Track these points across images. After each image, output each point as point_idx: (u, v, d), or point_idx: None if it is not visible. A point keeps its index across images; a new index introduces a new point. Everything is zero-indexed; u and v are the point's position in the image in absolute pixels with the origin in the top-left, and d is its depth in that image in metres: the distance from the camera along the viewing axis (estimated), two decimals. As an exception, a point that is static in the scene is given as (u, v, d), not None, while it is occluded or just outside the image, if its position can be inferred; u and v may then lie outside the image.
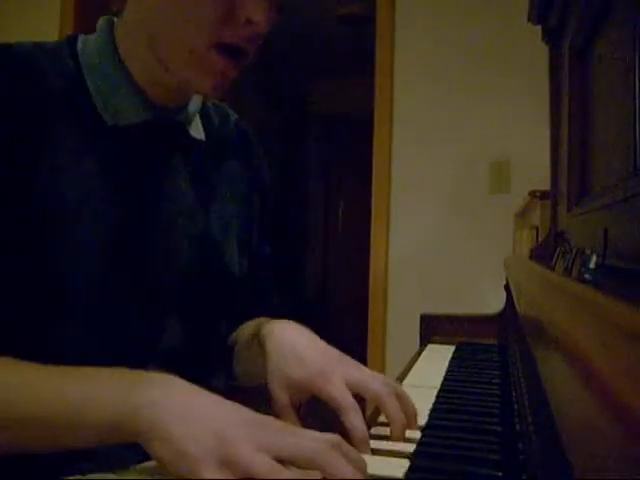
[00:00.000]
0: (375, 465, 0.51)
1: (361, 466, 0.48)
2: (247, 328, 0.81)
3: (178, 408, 0.48)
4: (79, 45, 0.69)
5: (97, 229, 0.64)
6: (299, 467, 0.46)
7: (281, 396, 0.63)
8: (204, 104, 0.79)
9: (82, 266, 0.63)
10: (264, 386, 0.66)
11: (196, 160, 0.76)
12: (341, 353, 0.65)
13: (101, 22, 0.70)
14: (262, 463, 0.44)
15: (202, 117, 0.78)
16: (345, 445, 0.48)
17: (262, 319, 0.79)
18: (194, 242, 0.73)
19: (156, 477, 0.51)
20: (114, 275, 0.65)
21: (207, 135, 0.78)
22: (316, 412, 0.67)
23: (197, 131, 0.76)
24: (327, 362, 0.62)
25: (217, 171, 0.80)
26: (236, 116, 0.88)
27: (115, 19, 0.70)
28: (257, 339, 0.70)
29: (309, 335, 0.68)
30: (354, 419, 0.57)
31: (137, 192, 0.68)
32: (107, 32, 0.69)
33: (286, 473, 0.44)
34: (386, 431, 0.60)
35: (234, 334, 0.84)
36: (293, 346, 0.65)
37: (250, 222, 0.86)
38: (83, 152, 0.64)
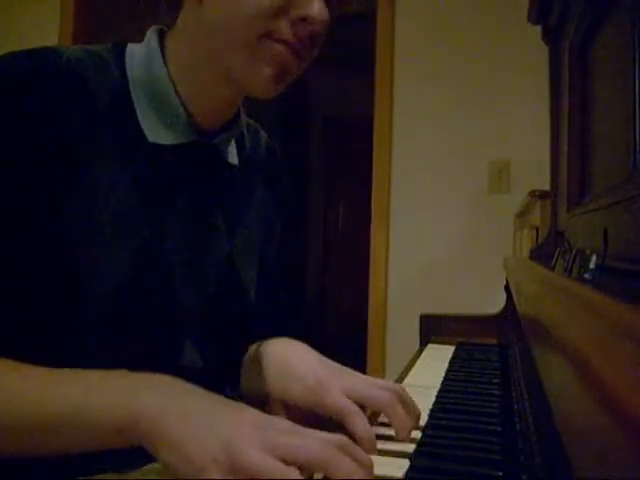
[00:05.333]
0: (375, 465, 0.51)
1: (368, 467, 0.47)
2: (253, 346, 0.80)
3: (180, 410, 0.48)
4: (127, 55, 0.68)
5: (127, 244, 0.64)
6: (304, 469, 0.45)
7: (280, 415, 0.63)
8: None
9: (107, 279, 0.62)
10: (265, 403, 0.66)
11: (228, 183, 0.76)
12: (337, 364, 0.65)
13: (150, 34, 0.69)
14: (270, 466, 0.43)
15: (236, 141, 0.78)
16: (352, 446, 0.47)
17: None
18: (218, 263, 0.74)
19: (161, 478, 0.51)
20: (138, 290, 0.65)
21: (240, 159, 0.78)
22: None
23: (232, 156, 0.76)
24: (324, 374, 0.62)
25: (246, 195, 0.80)
26: (267, 135, 0.88)
27: (164, 28, 0.69)
28: (257, 358, 0.70)
29: (305, 350, 0.68)
30: (359, 422, 0.56)
31: (168, 210, 0.68)
32: (156, 45, 0.67)
33: (294, 476, 0.43)
34: (386, 431, 0.60)
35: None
36: (289, 363, 0.65)
37: (270, 245, 0.86)
38: (122, 166, 0.64)
